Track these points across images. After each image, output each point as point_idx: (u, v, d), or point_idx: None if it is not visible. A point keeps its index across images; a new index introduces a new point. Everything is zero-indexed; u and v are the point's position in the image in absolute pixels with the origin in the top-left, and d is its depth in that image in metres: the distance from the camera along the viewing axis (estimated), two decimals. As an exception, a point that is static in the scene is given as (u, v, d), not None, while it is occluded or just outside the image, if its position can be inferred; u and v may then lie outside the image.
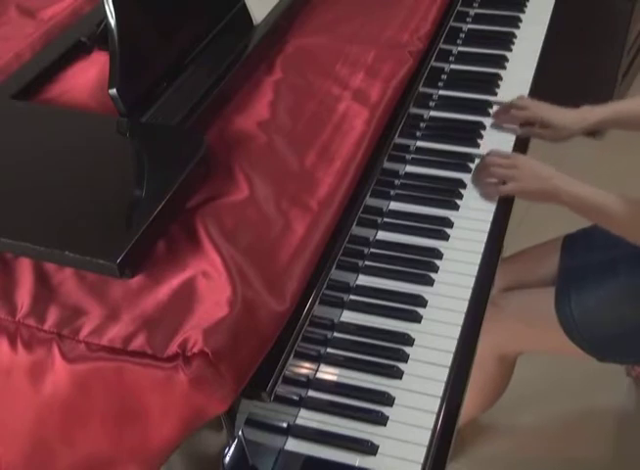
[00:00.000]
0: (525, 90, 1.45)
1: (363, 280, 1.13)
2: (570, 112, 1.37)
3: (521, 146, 1.35)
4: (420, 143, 1.35)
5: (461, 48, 1.54)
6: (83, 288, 0.80)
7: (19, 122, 0.95)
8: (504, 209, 1.25)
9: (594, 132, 2.41)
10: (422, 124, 1.37)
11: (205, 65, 1.03)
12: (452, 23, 1.39)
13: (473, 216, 1.23)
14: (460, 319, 1.08)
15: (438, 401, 0.99)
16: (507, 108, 1.38)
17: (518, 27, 1.59)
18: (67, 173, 0.86)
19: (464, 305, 1.09)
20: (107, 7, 0.89)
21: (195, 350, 0.72)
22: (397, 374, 1.02)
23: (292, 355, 0.84)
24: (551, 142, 1.38)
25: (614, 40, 2.21)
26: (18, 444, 0.81)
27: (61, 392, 0.76)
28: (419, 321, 1.08)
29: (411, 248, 1.17)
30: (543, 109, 1.37)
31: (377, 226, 1.20)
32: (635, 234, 1.20)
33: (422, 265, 1.15)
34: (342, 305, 1.09)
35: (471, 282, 1.12)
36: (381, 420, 0.97)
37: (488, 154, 1.28)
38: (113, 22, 0.89)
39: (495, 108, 1.40)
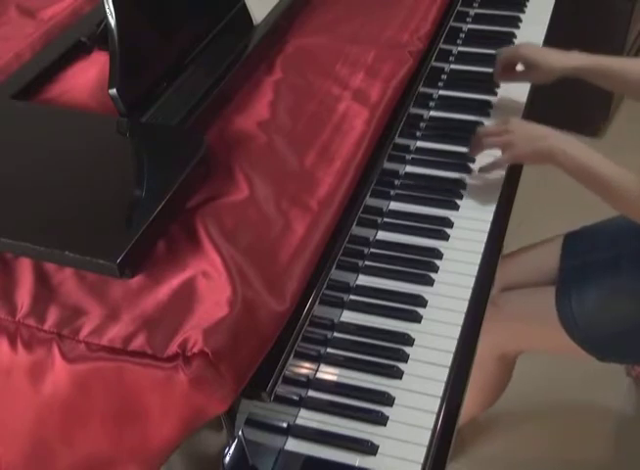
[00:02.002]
0: (525, 90, 1.45)
1: (363, 280, 1.13)
2: (553, 51, 1.35)
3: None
4: (420, 143, 1.35)
5: (461, 48, 1.54)
6: (83, 288, 0.80)
7: (19, 122, 0.95)
8: (504, 209, 1.24)
9: (594, 132, 2.42)
10: (422, 124, 1.37)
11: (205, 65, 1.03)
12: (452, 23, 1.39)
13: (473, 216, 1.23)
14: (460, 319, 1.08)
15: (438, 401, 0.99)
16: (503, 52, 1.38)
17: (518, 27, 1.59)
18: (67, 173, 0.86)
19: (464, 306, 1.09)
20: (107, 7, 0.89)
21: (195, 350, 0.72)
22: (397, 374, 1.02)
23: (292, 355, 0.84)
24: (535, 83, 1.37)
25: (614, 40, 2.21)
26: (18, 444, 0.81)
27: (61, 392, 0.76)
28: (419, 321, 1.08)
29: (411, 248, 1.17)
30: (527, 47, 1.36)
31: (377, 226, 1.20)
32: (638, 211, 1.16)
33: (422, 265, 1.15)
34: (342, 305, 1.09)
35: (471, 282, 1.12)
36: (381, 420, 0.97)
37: (479, 129, 1.27)
38: (113, 22, 0.89)
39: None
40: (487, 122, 1.38)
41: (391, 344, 1.05)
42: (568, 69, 1.33)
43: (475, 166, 1.29)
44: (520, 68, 1.40)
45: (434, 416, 0.97)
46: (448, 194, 1.26)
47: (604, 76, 1.34)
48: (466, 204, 1.24)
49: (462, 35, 1.57)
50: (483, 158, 1.28)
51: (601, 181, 1.15)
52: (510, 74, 1.40)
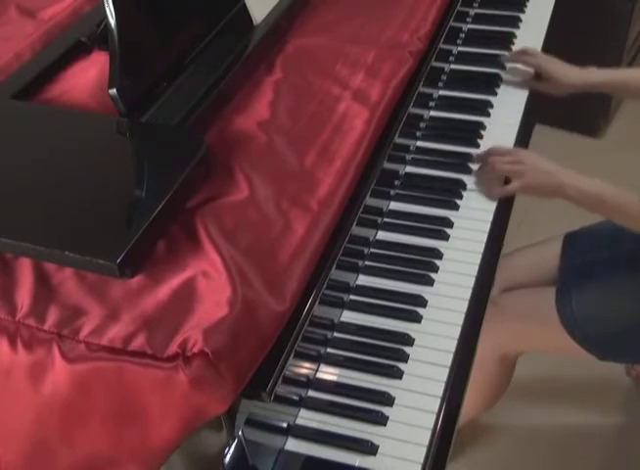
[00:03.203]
0: (526, 90, 1.45)
1: (363, 280, 1.13)
2: (573, 67, 1.41)
3: (521, 146, 1.35)
4: (420, 143, 1.34)
5: (461, 48, 1.54)
6: (83, 288, 0.80)
7: (19, 122, 0.95)
8: (504, 209, 1.24)
9: (594, 132, 2.42)
10: (422, 124, 1.37)
11: (205, 65, 1.03)
12: (452, 23, 1.39)
13: (473, 216, 1.22)
14: (460, 319, 1.08)
15: (438, 401, 0.98)
16: (519, 52, 1.46)
17: (518, 27, 1.59)
18: (67, 173, 0.86)
19: (464, 306, 1.09)
20: (107, 7, 0.89)
21: (195, 350, 0.72)
22: (397, 374, 1.02)
23: (292, 355, 0.84)
24: (551, 95, 1.42)
25: (614, 40, 2.21)
26: (18, 444, 0.81)
27: (61, 392, 0.76)
28: (419, 321, 1.08)
29: (411, 248, 1.17)
30: (548, 60, 1.43)
31: (377, 226, 1.20)
32: None
33: (422, 265, 1.15)
34: (342, 305, 1.09)
35: (471, 282, 1.12)
36: (381, 420, 0.97)
37: (490, 150, 1.28)
38: (113, 22, 0.89)
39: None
40: (487, 122, 1.38)
41: (391, 344, 1.05)
42: (586, 85, 1.39)
43: (475, 167, 1.29)
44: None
45: (434, 416, 0.97)
46: (448, 194, 1.26)
47: (621, 90, 1.42)
48: (466, 204, 1.24)
49: (462, 35, 1.57)
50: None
51: (613, 209, 1.21)
52: (528, 83, 1.45)
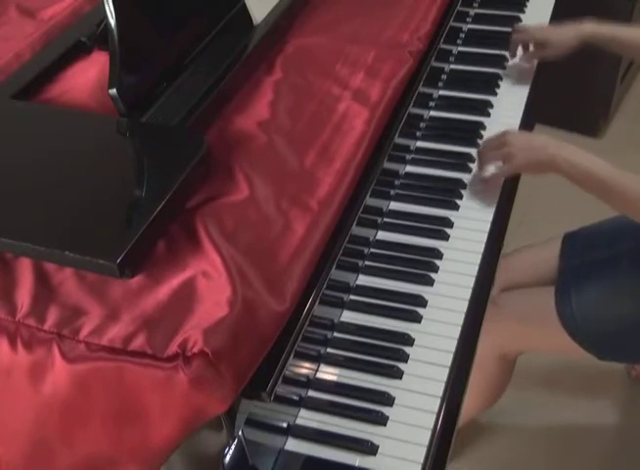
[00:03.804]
0: (525, 90, 1.45)
1: (363, 280, 1.13)
2: (565, 26, 1.42)
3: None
4: (420, 143, 1.35)
5: (461, 48, 1.54)
6: (83, 288, 0.80)
7: (19, 122, 0.95)
8: (504, 209, 1.24)
9: (594, 132, 2.42)
10: (422, 124, 1.37)
11: (205, 65, 1.03)
12: (452, 23, 1.39)
13: (473, 216, 1.23)
14: (460, 319, 1.08)
15: (438, 401, 0.99)
16: (513, 37, 1.48)
17: (518, 27, 1.59)
18: (67, 173, 0.86)
19: (464, 306, 1.09)
20: (107, 7, 0.89)
21: (195, 350, 0.72)
22: (397, 374, 1.02)
23: (292, 355, 0.84)
24: (553, 59, 1.43)
25: (614, 40, 2.21)
26: (18, 444, 0.81)
27: (61, 392, 0.76)
28: (419, 321, 1.08)
29: (411, 248, 1.17)
30: (540, 28, 1.46)
31: (377, 226, 1.20)
32: None
33: (422, 265, 1.15)
34: (342, 305, 1.09)
35: (471, 282, 1.12)
36: (381, 420, 0.97)
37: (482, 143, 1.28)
38: (113, 22, 0.89)
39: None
40: (487, 122, 1.38)
41: (391, 344, 1.05)
42: (582, 38, 1.40)
43: (475, 167, 1.29)
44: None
45: (434, 416, 0.97)
46: (448, 194, 1.26)
47: (618, 44, 1.41)
48: (466, 204, 1.24)
49: (462, 35, 1.57)
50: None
51: (604, 184, 1.15)
52: (528, 54, 1.47)
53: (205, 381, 0.72)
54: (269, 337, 0.79)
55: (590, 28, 1.40)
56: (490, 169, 1.25)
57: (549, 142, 1.18)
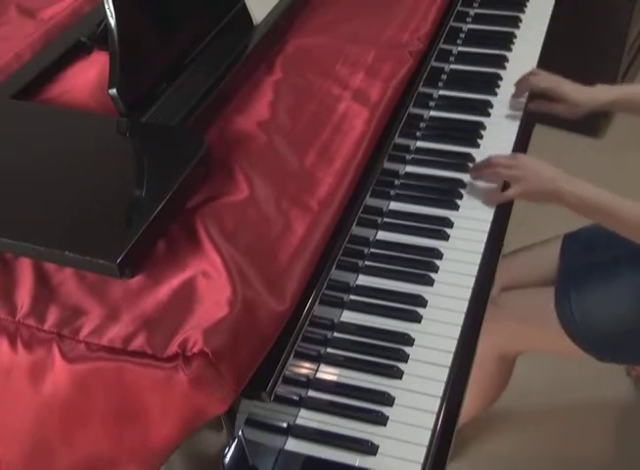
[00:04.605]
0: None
1: (363, 280, 1.13)
2: (584, 88, 1.38)
3: (521, 146, 1.35)
4: (420, 143, 1.35)
5: (461, 48, 1.54)
6: (83, 288, 0.80)
7: (19, 122, 0.95)
8: (504, 209, 1.24)
9: (594, 132, 2.42)
10: (422, 124, 1.37)
11: (205, 65, 1.03)
12: (452, 23, 1.39)
13: (473, 216, 1.23)
14: (460, 319, 1.08)
15: (438, 401, 0.99)
16: (524, 77, 1.41)
17: (518, 27, 1.59)
18: (67, 173, 0.86)
19: (464, 306, 1.09)
20: (107, 7, 0.89)
21: (195, 350, 0.72)
22: (397, 374, 1.02)
23: (292, 355, 0.84)
24: (563, 117, 1.40)
25: (614, 40, 2.21)
26: (18, 444, 0.81)
27: (61, 392, 0.76)
28: (419, 321, 1.08)
29: (411, 248, 1.17)
30: (559, 81, 1.39)
31: (377, 226, 1.20)
32: None
33: (422, 265, 1.15)
34: (342, 305, 1.09)
35: (471, 282, 1.12)
36: (381, 420, 0.97)
37: (489, 158, 1.27)
38: (113, 22, 0.89)
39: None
40: (487, 122, 1.38)
41: (391, 344, 1.05)
42: (599, 106, 1.38)
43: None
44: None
45: (434, 416, 0.97)
46: (448, 194, 1.26)
47: (633, 106, 1.38)
48: (466, 204, 1.24)
49: (462, 35, 1.57)
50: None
51: (612, 217, 1.19)
52: (540, 104, 1.42)
53: (205, 381, 0.72)
54: (269, 337, 0.79)
55: (608, 97, 1.38)
56: (482, 185, 1.25)
57: (558, 175, 1.20)
